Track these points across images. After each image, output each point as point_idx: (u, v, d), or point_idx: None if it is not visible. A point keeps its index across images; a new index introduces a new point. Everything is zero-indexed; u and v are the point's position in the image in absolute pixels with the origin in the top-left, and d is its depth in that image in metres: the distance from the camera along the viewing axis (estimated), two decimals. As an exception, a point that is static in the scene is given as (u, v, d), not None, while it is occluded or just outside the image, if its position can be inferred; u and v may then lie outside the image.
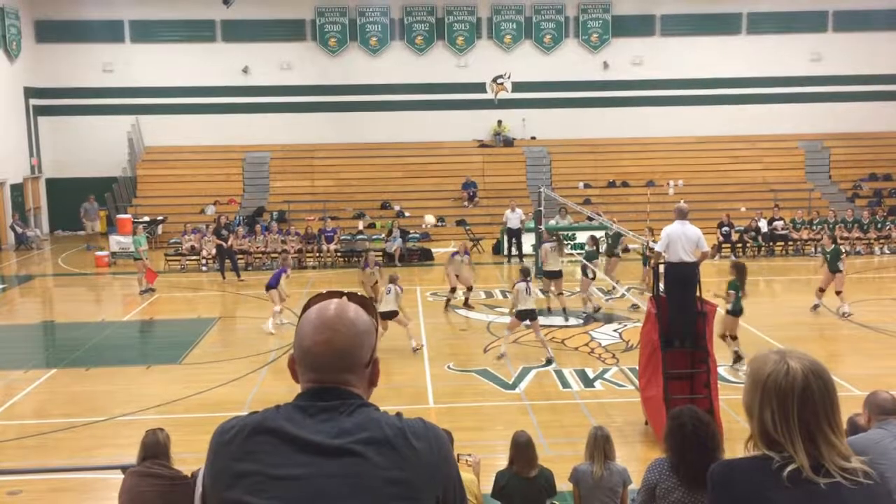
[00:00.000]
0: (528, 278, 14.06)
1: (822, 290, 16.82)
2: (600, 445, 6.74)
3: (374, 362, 2.25)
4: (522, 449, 6.89)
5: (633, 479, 7.02)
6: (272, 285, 16.46)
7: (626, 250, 22.52)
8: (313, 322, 2.21)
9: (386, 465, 2.05)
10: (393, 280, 14.70)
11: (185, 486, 6.24)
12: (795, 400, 2.24)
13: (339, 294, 2.32)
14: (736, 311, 13.05)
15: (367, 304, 2.31)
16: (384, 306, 14.12)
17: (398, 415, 2.20)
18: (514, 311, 13.98)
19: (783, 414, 2.25)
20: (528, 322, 13.88)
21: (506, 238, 24.69)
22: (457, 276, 18.08)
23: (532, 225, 22.84)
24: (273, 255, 24.17)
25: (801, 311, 17.13)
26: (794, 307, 17.49)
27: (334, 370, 2.17)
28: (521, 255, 23.94)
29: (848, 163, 32.28)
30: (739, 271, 13.39)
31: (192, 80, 31.67)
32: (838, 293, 16.58)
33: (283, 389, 12.26)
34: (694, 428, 5.08)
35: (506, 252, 24.61)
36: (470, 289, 18.27)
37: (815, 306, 16.88)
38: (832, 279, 16.58)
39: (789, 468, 2.22)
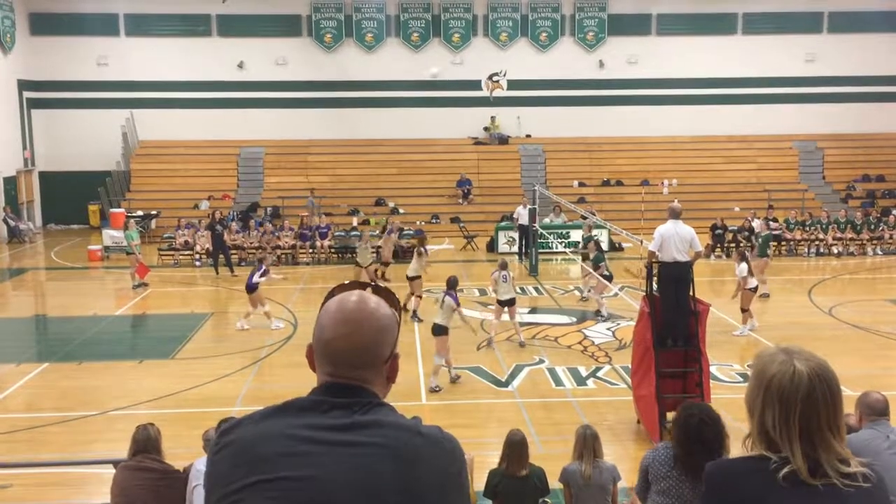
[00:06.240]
0: (506, 270, 14.77)
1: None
2: (589, 444, 6.76)
3: (393, 358, 2.15)
4: (515, 448, 6.85)
5: (623, 477, 7.04)
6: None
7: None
8: (335, 314, 2.11)
9: (395, 470, 1.94)
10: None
11: (176, 480, 6.25)
12: (798, 404, 2.20)
13: (363, 285, 2.22)
14: None
15: (390, 297, 2.22)
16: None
17: (416, 418, 2.08)
18: (497, 299, 14.94)
19: (784, 416, 2.21)
20: (506, 308, 14.69)
21: (518, 236, 24.45)
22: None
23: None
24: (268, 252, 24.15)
25: (794, 311, 17.19)
26: (788, 307, 17.54)
27: (353, 366, 2.07)
28: (526, 253, 23.34)
29: (841, 164, 32.35)
30: None
31: (186, 74, 31.56)
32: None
33: (275, 386, 12.24)
34: (700, 423, 5.14)
35: (516, 250, 24.41)
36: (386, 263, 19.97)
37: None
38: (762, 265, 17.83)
39: (786, 469, 2.19)
